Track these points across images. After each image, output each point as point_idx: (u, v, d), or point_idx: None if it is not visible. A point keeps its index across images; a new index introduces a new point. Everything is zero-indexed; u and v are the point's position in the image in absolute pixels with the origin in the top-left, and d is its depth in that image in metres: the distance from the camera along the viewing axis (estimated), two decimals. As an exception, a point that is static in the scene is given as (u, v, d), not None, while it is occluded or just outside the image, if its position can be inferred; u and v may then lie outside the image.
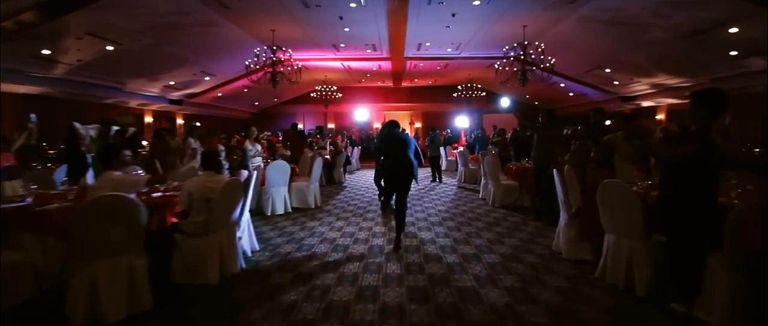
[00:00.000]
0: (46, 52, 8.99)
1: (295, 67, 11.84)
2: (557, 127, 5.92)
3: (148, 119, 14.28)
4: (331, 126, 20.96)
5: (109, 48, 9.76)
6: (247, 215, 4.35)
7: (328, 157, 10.15)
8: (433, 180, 10.65)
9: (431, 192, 8.82)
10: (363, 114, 19.22)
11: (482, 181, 7.85)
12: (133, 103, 13.18)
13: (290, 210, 6.39)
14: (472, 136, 13.03)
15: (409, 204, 6.92)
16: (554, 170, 4.29)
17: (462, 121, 17.99)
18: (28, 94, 10.15)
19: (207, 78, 13.59)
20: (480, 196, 7.98)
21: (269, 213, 6.15)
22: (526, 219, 6.10)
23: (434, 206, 7.25)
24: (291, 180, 6.73)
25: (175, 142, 7.27)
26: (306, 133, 15.63)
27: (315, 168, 6.61)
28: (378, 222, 6.05)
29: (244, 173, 5.09)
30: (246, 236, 4.24)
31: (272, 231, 5.48)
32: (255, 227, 4.94)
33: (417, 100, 20.15)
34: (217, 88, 14.94)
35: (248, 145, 6.11)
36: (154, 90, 13.20)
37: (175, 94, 14.37)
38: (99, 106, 12.16)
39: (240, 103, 18.29)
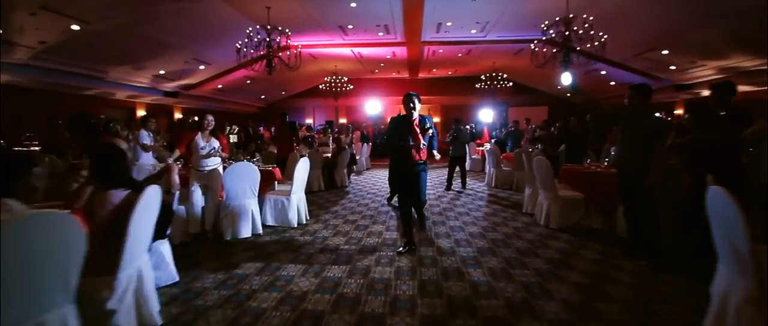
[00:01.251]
0: None
1: (294, 51, 9.90)
2: (652, 113, 3.73)
3: (142, 113, 12.62)
4: (342, 121, 19.09)
5: (75, 27, 8.05)
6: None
7: (328, 155, 8.22)
8: (449, 187, 8.15)
9: (456, 204, 6.76)
10: (375, 106, 17.19)
11: (526, 190, 5.79)
12: (121, 95, 11.57)
13: (260, 231, 4.55)
14: (502, 130, 10.80)
15: (427, 224, 4.94)
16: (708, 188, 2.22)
17: (485, 115, 15.82)
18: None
19: (202, 67, 11.86)
20: (524, 210, 5.89)
21: (229, 238, 4.29)
22: (607, 253, 3.98)
23: (463, 227, 5.15)
24: (267, 187, 4.83)
25: (130, 137, 5.50)
26: (310, 128, 13.75)
27: (297, 173, 4.67)
28: (389, 255, 4.02)
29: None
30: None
31: (209, 271, 3.54)
32: (187, 263, 3.04)
33: (435, 92, 18.06)
34: (216, 78, 13.21)
35: (199, 140, 4.24)
36: (143, 80, 11.54)
37: (170, 86, 12.71)
38: (79, 97, 10.54)
39: (244, 96, 16.58)
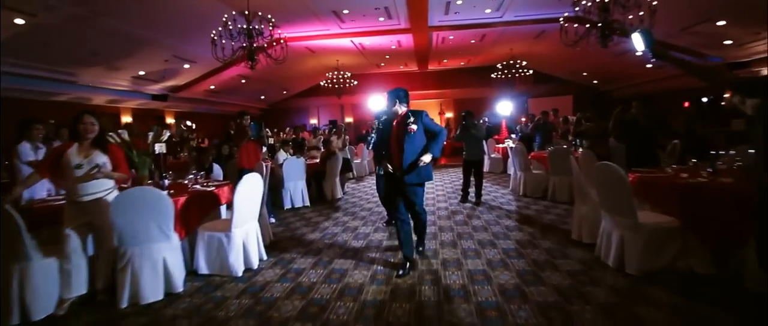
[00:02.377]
0: None
1: (280, 42, 8.32)
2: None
3: (127, 119, 11.34)
4: (349, 120, 17.48)
5: (19, 21, 6.68)
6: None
7: (317, 161, 6.61)
8: (464, 199, 6.23)
9: (474, 224, 4.83)
10: (378, 102, 15.44)
11: (577, 208, 3.91)
12: (100, 100, 10.26)
13: (180, 288, 2.93)
14: (528, 124, 8.91)
15: (434, 262, 3.33)
16: None
17: (503, 108, 13.95)
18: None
19: (187, 66, 10.44)
20: (574, 236, 3.97)
21: (126, 304, 2.72)
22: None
23: (488, 271, 3.33)
24: (206, 216, 3.26)
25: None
26: (315, 129, 12.13)
27: (240, 196, 3.04)
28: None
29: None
30: None
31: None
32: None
33: (447, 85, 16.29)
34: (206, 78, 11.80)
35: (73, 154, 2.69)
36: (121, 82, 10.21)
37: (155, 88, 11.37)
38: (49, 104, 9.21)
39: (242, 98, 15.17)
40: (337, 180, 6.66)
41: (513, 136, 10.59)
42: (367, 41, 11.58)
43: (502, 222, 4.81)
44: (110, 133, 3.38)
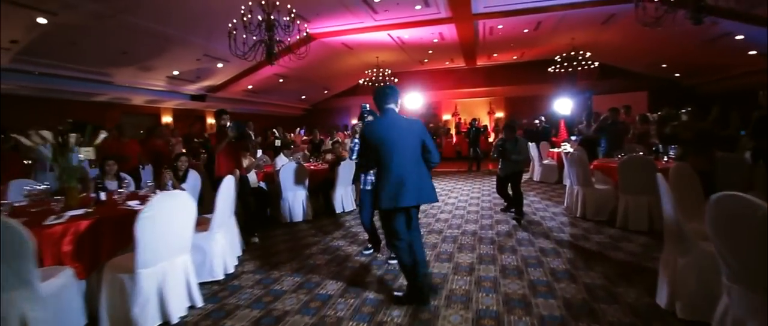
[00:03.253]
0: None
1: (302, 34, 7.45)
2: None
3: (167, 119, 11.20)
4: (391, 120, 16.35)
5: (42, 21, 6.44)
6: None
7: (325, 167, 5.58)
8: (509, 208, 5.11)
9: (505, 262, 3.29)
10: (415, 100, 14.17)
11: (668, 259, 2.32)
12: (139, 100, 10.17)
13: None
14: (590, 125, 7.11)
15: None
16: None
17: (562, 106, 12.03)
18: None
19: (220, 65, 10.02)
20: (661, 298, 2.40)
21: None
22: None
23: None
24: (124, 246, 2.37)
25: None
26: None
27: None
28: None
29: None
30: None
31: None
32: None
33: (498, 82, 14.60)
34: (242, 77, 11.37)
35: None
36: (158, 82, 10.01)
37: (192, 88, 11.14)
38: (89, 105, 9.17)
39: (283, 97, 14.71)
40: (351, 189, 5.57)
41: (572, 138, 8.80)
42: (406, 34, 10.43)
43: (548, 260, 3.34)
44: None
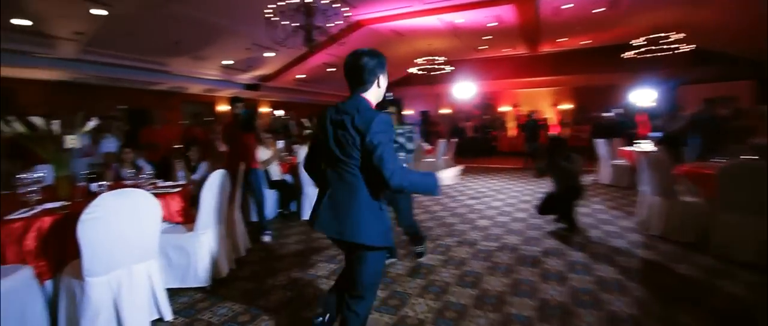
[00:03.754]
0: (22, 21, 6.30)
1: (345, 19, 7.00)
2: None
3: (223, 108, 11.51)
4: (445, 112, 15.52)
5: (98, 12, 6.68)
6: None
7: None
8: (563, 219, 4.12)
9: (545, 294, 2.54)
10: (466, 90, 13.09)
11: None
12: (196, 89, 10.52)
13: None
14: (679, 118, 5.74)
15: None
16: None
17: (641, 98, 10.34)
18: (49, 80, 7.96)
19: (269, 54, 9.97)
20: None
21: None
22: None
23: None
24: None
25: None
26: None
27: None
28: None
29: None
30: None
31: None
32: None
33: (564, 70, 13.08)
34: (293, 66, 11.28)
35: None
36: (212, 72, 10.23)
37: (246, 78, 11.30)
38: (149, 93, 9.61)
39: (333, 87, 14.51)
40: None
41: (651, 135, 7.39)
42: (459, 18, 9.54)
43: (608, 298, 2.45)
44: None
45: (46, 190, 2.74)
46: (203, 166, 3.81)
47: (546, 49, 12.81)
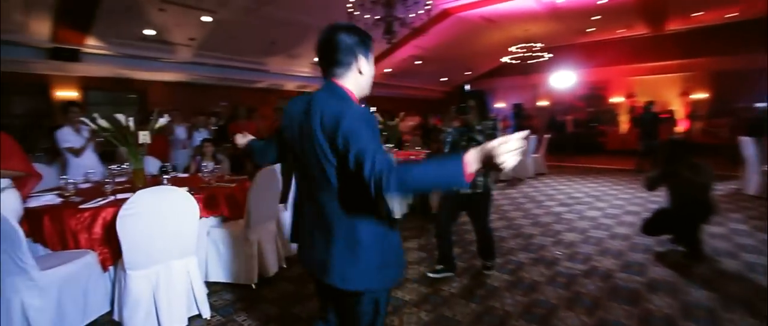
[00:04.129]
0: (148, 31, 7.37)
1: (428, 9, 6.71)
2: None
3: None
4: (542, 104, 14.05)
5: (206, 19, 7.47)
6: None
7: (415, 155, 4.69)
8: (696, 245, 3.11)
9: None
10: (567, 79, 11.45)
11: None
12: (291, 86, 11.21)
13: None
14: None
15: None
16: None
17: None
18: (171, 81, 9.18)
19: (356, 49, 10.03)
20: None
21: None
22: None
23: None
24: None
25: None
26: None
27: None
28: None
29: None
30: None
31: None
32: None
33: (700, 51, 10.74)
34: (378, 60, 11.30)
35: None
36: (304, 69, 10.82)
37: (335, 73, 11.60)
38: (252, 91, 10.57)
39: (422, 80, 14.21)
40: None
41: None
42: (559, -3, 8.38)
43: None
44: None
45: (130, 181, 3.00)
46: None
47: (674, 26, 10.59)
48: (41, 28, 6.45)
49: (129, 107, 8.70)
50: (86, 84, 8.14)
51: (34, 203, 2.40)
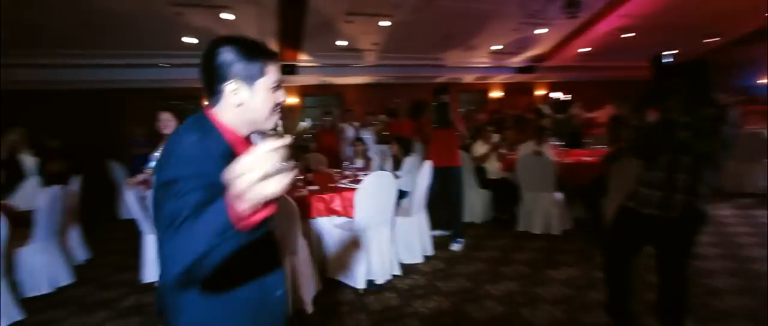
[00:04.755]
0: (340, 42, 8.70)
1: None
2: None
3: (496, 94, 11.59)
4: None
5: (384, 23, 8.22)
6: None
7: (578, 158, 3.67)
8: None
9: None
10: None
11: None
12: (469, 78, 11.05)
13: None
14: None
15: None
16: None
17: None
18: (361, 83, 10.41)
19: (540, 31, 9.08)
20: None
21: None
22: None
23: None
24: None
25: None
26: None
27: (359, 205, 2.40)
28: None
29: None
30: None
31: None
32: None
33: None
34: (571, 40, 9.83)
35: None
36: (482, 60, 10.46)
37: (517, 60, 10.77)
38: (431, 87, 10.93)
39: (631, 57, 11.25)
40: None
41: None
42: None
43: None
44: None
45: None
46: (408, 162, 3.80)
47: None
48: (270, 51, 8.39)
49: (335, 108, 10.42)
50: (303, 91, 10.16)
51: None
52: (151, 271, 2.89)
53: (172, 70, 8.14)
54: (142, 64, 7.84)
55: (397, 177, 3.38)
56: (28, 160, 3.45)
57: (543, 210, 3.61)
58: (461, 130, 3.47)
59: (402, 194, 3.26)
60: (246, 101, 0.93)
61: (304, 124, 3.45)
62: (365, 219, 2.65)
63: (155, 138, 3.09)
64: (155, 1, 6.04)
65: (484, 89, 11.72)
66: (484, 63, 10.50)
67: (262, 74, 0.93)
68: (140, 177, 2.81)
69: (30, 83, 7.40)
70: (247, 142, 0.98)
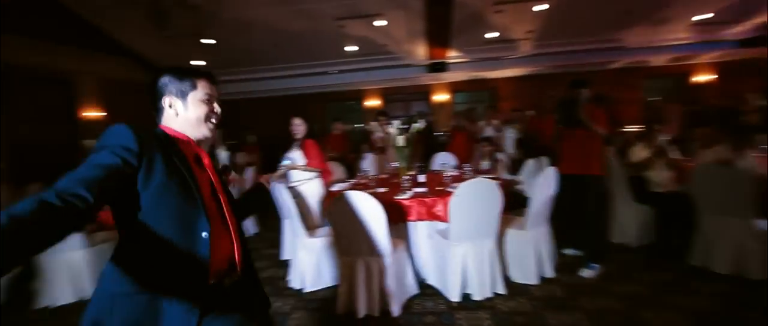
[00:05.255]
0: (490, 34, 8.43)
1: None
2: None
3: (703, 78, 9.13)
4: None
5: (539, 8, 7.57)
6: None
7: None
8: None
9: None
10: None
11: None
12: (660, 61, 8.97)
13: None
14: None
15: None
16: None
17: None
18: (515, 76, 9.74)
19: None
20: None
21: None
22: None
23: None
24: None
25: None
26: None
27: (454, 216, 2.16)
28: None
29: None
30: None
31: None
32: None
33: None
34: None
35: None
36: (679, 35, 8.37)
37: (737, 31, 8.16)
38: (603, 73, 9.48)
39: None
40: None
41: None
42: None
43: None
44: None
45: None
46: (530, 165, 3.27)
47: None
48: (420, 51, 8.61)
49: (487, 103, 9.98)
50: (454, 88, 10.09)
51: (335, 188, 3.40)
52: (287, 250, 3.46)
53: (339, 75, 9.36)
54: (314, 73, 9.27)
55: (516, 183, 3.00)
56: (222, 154, 4.68)
57: (733, 242, 2.53)
58: (600, 131, 2.75)
59: (523, 202, 2.87)
60: (181, 112, 1.16)
61: (418, 125, 3.41)
62: (459, 229, 2.43)
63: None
64: (325, 19, 7.08)
65: (684, 73, 9.13)
66: (683, 39, 8.16)
67: (192, 88, 1.15)
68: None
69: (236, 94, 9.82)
70: (194, 144, 1.18)
